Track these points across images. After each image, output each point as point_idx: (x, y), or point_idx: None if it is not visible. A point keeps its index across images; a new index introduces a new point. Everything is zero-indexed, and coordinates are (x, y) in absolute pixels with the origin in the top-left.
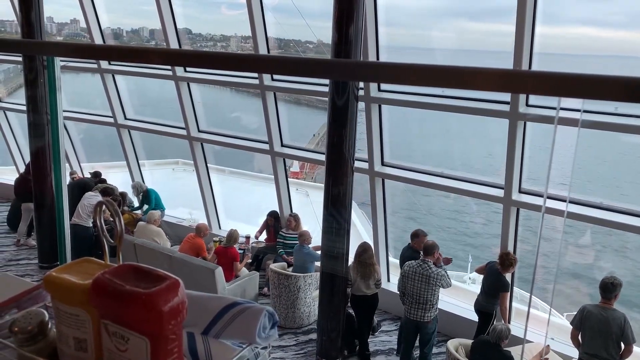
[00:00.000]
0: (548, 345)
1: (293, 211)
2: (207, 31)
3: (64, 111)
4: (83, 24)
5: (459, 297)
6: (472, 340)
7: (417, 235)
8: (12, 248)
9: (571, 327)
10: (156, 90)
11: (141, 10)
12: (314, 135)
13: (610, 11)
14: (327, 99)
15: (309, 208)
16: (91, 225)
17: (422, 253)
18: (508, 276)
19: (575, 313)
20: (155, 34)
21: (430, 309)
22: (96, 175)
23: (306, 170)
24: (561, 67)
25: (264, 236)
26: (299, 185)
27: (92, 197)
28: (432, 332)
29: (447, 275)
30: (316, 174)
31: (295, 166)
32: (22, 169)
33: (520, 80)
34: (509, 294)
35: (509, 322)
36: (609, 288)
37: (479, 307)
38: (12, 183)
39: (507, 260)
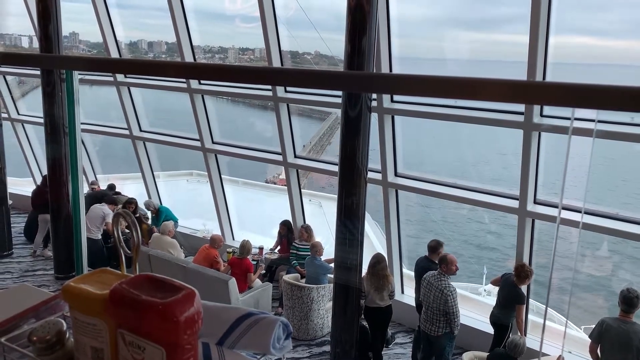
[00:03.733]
0: (560, 356)
1: (306, 222)
2: (206, 43)
3: (81, 124)
4: (82, 37)
5: (474, 309)
6: (488, 353)
7: (433, 246)
8: (28, 259)
9: (589, 340)
10: (170, 101)
11: (141, 23)
12: (303, 145)
13: (609, 20)
14: (321, 108)
15: (321, 219)
16: (100, 237)
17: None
18: (524, 288)
19: (593, 326)
20: (153, 47)
21: (438, 322)
22: (111, 187)
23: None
24: (562, 76)
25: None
26: (311, 195)
27: (99, 209)
28: (442, 347)
29: (455, 296)
30: (305, 182)
31: (284, 174)
32: (39, 180)
33: (533, 91)
34: (524, 306)
35: (525, 335)
36: (633, 302)
37: (494, 320)
38: (30, 195)
39: (522, 272)
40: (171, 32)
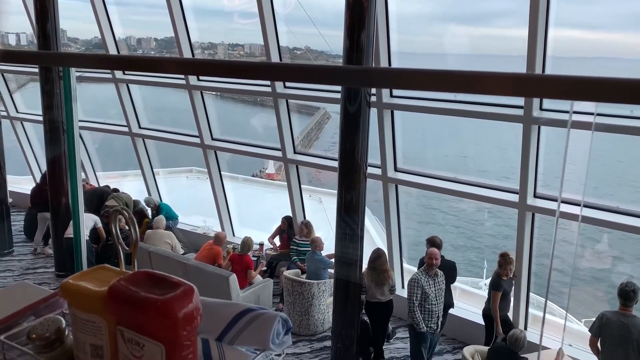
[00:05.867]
0: (560, 349)
1: (306, 218)
2: (195, 39)
3: (80, 121)
4: (70, 34)
5: (474, 303)
6: (488, 347)
7: (438, 243)
8: (29, 257)
9: (590, 333)
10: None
11: (129, 20)
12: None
13: (595, 13)
14: (309, 103)
15: (322, 215)
16: (87, 238)
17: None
18: (525, 283)
19: (594, 319)
20: (142, 43)
21: (407, 312)
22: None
23: (283, 172)
24: (552, 70)
25: (277, 242)
26: (311, 191)
27: (87, 216)
28: (410, 339)
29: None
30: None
31: (270, 167)
32: (38, 178)
33: (532, 84)
34: (499, 292)
35: (526, 328)
36: (629, 295)
37: (484, 312)
38: (29, 193)
39: (502, 261)
40: (159, 29)
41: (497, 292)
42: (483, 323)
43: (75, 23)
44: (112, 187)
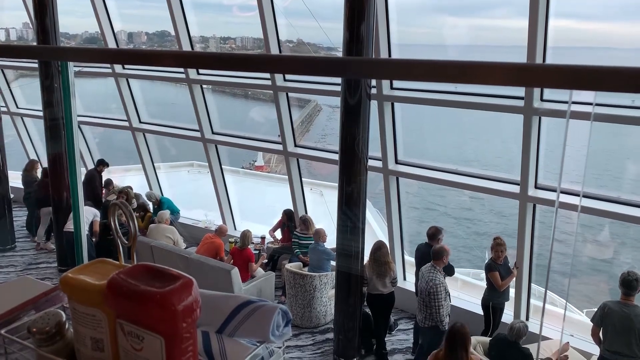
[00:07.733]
0: (567, 343)
1: (307, 211)
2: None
3: (79, 115)
4: (62, 30)
5: (476, 294)
6: (490, 338)
7: (432, 233)
8: (31, 252)
9: (592, 323)
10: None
11: (120, 14)
12: (278, 135)
13: (588, 4)
14: (300, 96)
15: (323, 207)
16: (87, 231)
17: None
18: (529, 275)
19: (595, 309)
20: (133, 37)
21: (424, 314)
22: (100, 163)
23: (272, 164)
24: (549, 61)
25: (278, 235)
26: (312, 184)
27: (86, 209)
28: (428, 340)
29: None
30: (280, 168)
31: (259, 160)
32: (39, 174)
33: (531, 74)
34: (495, 272)
35: (527, 319)
36: (631, 285)
37: (483, 302)
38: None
39: (492, 243)
40: (149, 23)
41: (493, 272)
42: (483, 314)
43: (62, 18)
44: (112, 180)
